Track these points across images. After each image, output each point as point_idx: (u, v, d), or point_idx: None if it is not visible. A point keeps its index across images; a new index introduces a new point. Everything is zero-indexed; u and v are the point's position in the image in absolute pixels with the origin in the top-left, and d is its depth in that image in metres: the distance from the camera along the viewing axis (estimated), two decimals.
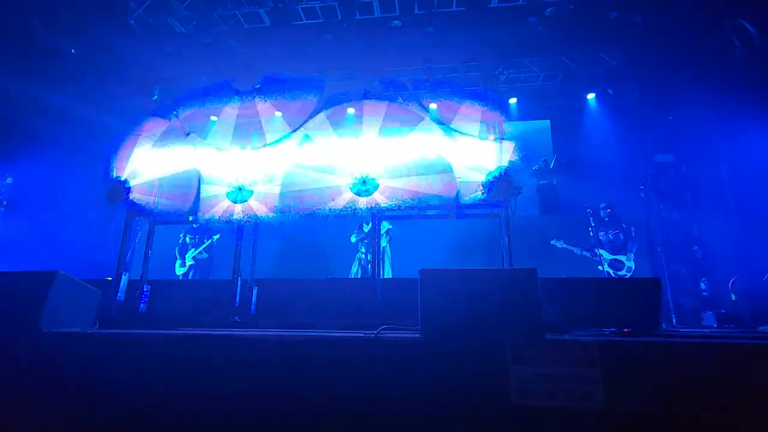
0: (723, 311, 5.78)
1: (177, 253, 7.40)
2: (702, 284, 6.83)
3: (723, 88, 6.84)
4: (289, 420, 1.96)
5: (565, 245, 6.66)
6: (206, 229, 7.38)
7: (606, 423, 1.77)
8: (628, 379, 1.82)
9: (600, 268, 6.41)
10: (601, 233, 6.51)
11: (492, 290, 2.12)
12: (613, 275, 6.27)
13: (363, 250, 6.80)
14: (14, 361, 2.26)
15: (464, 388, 1.89)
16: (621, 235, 6.37)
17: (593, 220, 6.65)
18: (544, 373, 1.86)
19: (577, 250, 6.58)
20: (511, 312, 2.05)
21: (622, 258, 6.29)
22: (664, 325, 3.28)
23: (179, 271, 7.36)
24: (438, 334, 2.05)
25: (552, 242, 6.69)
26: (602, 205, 6.71)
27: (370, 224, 6.77)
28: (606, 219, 6.60)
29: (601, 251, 6.40)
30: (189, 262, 7.31)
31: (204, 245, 7.31)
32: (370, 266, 6.63)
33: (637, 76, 8.00)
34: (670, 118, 8.14)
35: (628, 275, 6.16)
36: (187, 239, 7.41)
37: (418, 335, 2.11)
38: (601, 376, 1.82)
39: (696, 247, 7.11)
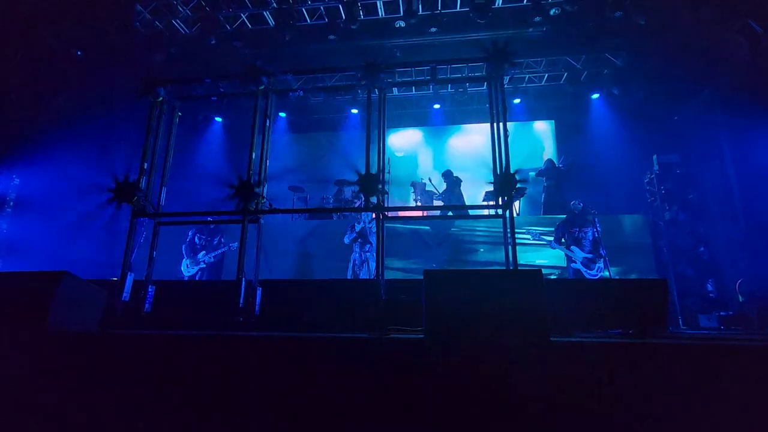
0: (730, 313, 5.72)
1: (184, 251, 7.36)
2: (709, 285, 6.77)
3: (729, 87, 6.79)
4: (293, 421, 1.96)
5: (540, 237, 6.59)
6: (215, 229, 7.37)
7: (611, 425, 1.76)
8: (635, 380, 1.81)
9: (573, 266, 6.31)
10: (575, 229, 6.42)
11: (497, 291, 2.12)
12: (584, 274, 6.18)
13: (356, 250, 6.77)
14: (21, 361, 2.28)
15: (468, 389, 1.88)
16: (590, 234, 6.25)
17: (568, 216, 6.61)
18: (548, 375, 1.85)
19: (553, 244, 6.49)
20: (516, 313, 2.05)
21: (593, 257, 6.20)
22: (670, 326, 3.25)
23: (187, 271, 7.31)
24: (442, 335, 2.05)
25: (525, 228, 6.61)
26: (574, 202, 6.64)
27: (362, 223, 6.77)
28: (577, 216, 6.51)
29: (574, 248, 6.32)
30: (200, 265, 7.29)
31: (220, 251, 7.31)
32: (365, 265, 6.59)
33: (642, 77, 7.96)
34: (676, 118, 8.09)
35: (599, 275, 6.04)
36: (196, 239, 7.35)
37: (422, 336, 2.11)
38: (607, 378, 1.81)
39: (702, 248, 7.05)
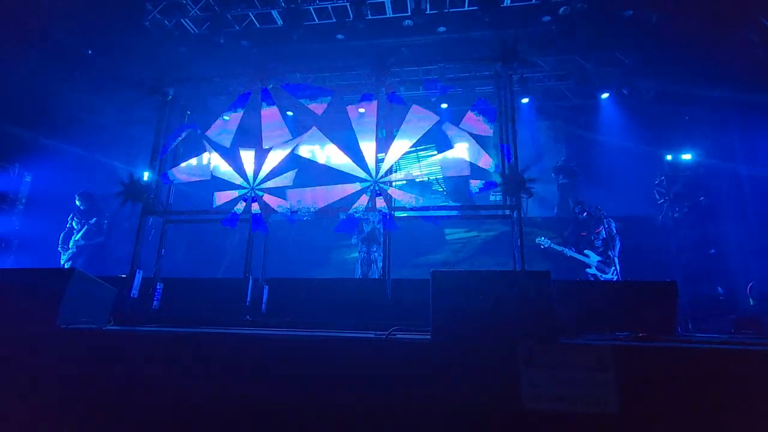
0: (740, 316, 5.63)
1: (61, 240, 6.63)
2: (719, 288, 6.67)
3: (741, 87, 6.69)
4: (299, 419, 1.97)
5: (552, 245, 6.26)
6: (92, 211, 6.70)
7: (619, 428, 1.74)
8: (643, 384, 1.79)
9: (588, 271, 6.09)
10: (584, 232, 6.22)
11: (504, 292, 2.10)
12: (600, 278, 5.98)
13: (364, 249, 6.75)
14: (31, 356, 2.31)
15: (475, 390, 1.87)
16: (603, 233, 5.98)
17: (575, 221, 6.44)
18: (556, 377, 1.83)
19: (567, 252, 6.19)
20: (524, 314, 2.03)
21: (606, 259, 5.98)
22: (679, 329, 3.21)
23: (62, 259, 6.54)
24: (449, 336, 2.04)
25: (537, 240, 6.28)
26: (577, 210, 6.42)
27: (371, 224, 6.76)
28: (585, 219, 6.26)
29: (589, 252, 6.13)
30: (71, 249, 6.52)
31: (83, 230, 6.51)
32: (374, 265, 6.57)
33: (653, 76, 7.87)
34: (687, 118, 7.98)
35: (615, 278, 5.82)
36: (74, 224, 6.64)
37: (428, 337, 2.10)
38: (615, 381, 1.79)
39: (713, 250, 6.94)
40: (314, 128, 4.60)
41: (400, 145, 4.38)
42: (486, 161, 4.10)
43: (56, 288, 2.47)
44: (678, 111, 7.96)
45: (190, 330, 2.46)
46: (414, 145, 4.43)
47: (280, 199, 4.44)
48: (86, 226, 6.54)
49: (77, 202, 6.70)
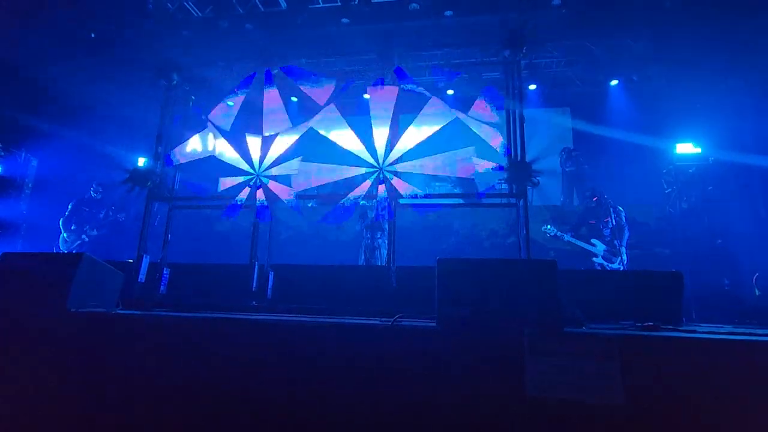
0: (746, 307, 5.61)
1: (62, 225, 6.90)
2: (724, 279, 6.63)
3: (754, 75, 6.55)
4: (302, 406, 2.00)
5: (558, 233, 6.19)
6: (101, 201, 7.03)
7: (624, 419, 1.75)
8: (648, 374, 1.79)
9: (594, 260, 6.05)
10: (593, 220, 6.15)
11: (510, 281, 2.10)
12: (606, 267, 5.95)
13: (368, 236, 6.75)
14: (42, 339, 2.35)
15: (480, 378, 1.89)
16: (612, 222, 5.90)
17: (584, 208, 6.39)
18: (561, 366, 1.84)
19: (574, 240, 6.13)
20: (529, 303, 2.03)
21: (615, 249, 5.92)
22: (684, 319, 3.21)
23: (65, 246, 6.81)
24: (454, 324, 2.05)
25: (543, 229, 6.22)
26: (587, 194, 6.36)
27: (375, 211, 6.73)
28: (594, 207, 6.19)
29: (596, 241, 6.07)
30: (83, 239, 6.81)
31: (101, 224, 6.91)
32: (377, 252, 6.58)
33: (664, 62, 7.71)
34: (698, 106, 7.85)
35: (621, 268, 5.78)
36: (81, 211, 6.94)
37: (434, 324, 2.11)
38: (620, 371, 1.79)
39: (719, 241, 6.89)
40: (325, 111, 4.54)
41: (412, 135, 4.33)
42: (497, 142, 4.04)
43: (66, 272, 2.50)
44: (689, 98, 7.82)
45: (197, 315, 2.49)
46: (428, 138, 4.37)
47: (285, 186, 4.43)
48: (104, 220, 6.96)
49: (92, 193, 6.99)
